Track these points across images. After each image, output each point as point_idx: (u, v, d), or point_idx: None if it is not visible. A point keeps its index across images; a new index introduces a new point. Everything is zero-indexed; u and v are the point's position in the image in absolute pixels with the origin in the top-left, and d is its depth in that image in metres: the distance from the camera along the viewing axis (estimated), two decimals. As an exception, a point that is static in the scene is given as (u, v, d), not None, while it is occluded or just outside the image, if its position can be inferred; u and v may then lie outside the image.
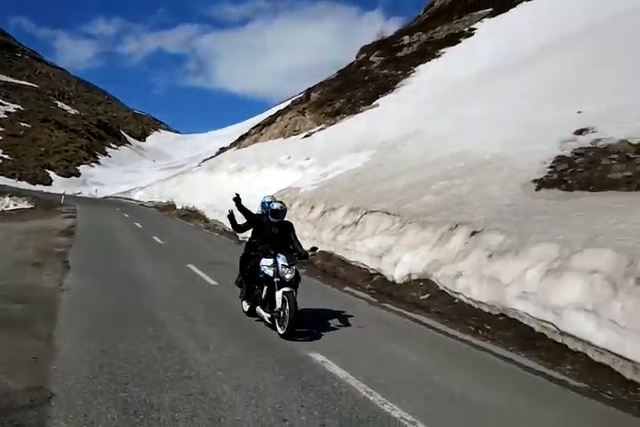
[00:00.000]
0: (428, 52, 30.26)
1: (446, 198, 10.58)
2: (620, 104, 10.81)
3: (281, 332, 6.08)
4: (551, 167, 9.88)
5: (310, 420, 3.90)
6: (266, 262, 6.46)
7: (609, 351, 5.23)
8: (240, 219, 7.21)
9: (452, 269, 8.02)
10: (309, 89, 41.33)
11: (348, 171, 16.38)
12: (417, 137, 16.31)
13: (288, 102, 44.50)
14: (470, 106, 16.21)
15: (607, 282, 5.68)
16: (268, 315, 6.42)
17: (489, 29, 28.60)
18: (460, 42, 29.45)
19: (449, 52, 28.67)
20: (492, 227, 8.25)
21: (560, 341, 5.84)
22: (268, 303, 6.44)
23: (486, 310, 7.07)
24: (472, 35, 29.67)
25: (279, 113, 41.81)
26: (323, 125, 28.76)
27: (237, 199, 6.80)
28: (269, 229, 6.71)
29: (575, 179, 9.00)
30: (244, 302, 7.25)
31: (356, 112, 26.79)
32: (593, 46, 15.73)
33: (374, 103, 26.37)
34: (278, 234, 6.72)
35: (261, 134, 40.30)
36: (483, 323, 6.83)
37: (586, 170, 9.15)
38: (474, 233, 8.40)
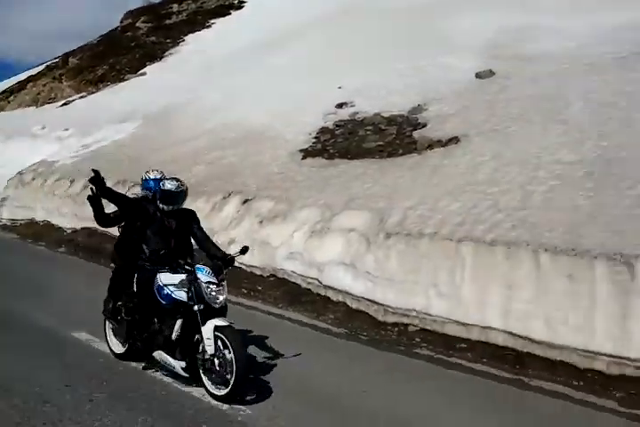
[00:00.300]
0: (197, 22, 29.58)
1: (219, 168, 10.62)
2: (375, 81, 11.94)
3: (218, 393, 3.91)
4: (315, 138, 10.52)
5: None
6: (171, 280, 4.20)
7: (364, 298, 5.91)
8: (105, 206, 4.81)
9: (226, 236, 8.13)
10: (67, 53, 37.21)
11: (114, 142, 15.35)
12: (187, 107, 15.93)
13: (42, 67, 39.49)
14: (240, 77, 16.35)
15: (362, 238, 6.37)
16: (182, 364, 4.12)
17: (259, 2, 29.04)
18: (230, 14, 29.39)
19: (219, 23, 28.41)
20: (262, 195, 8.53)
21: (324, 294, 6.40)
22: (180, 348, 4.15)
23: (258, 272, 7.39)
24: (242, 7, 29.84)
25: (30, 79, 37.00)
26: (83, 93, 26.32)
27: (98, 178, 4.22)
28: (161, 222, 4.41)
29: (336, 148, 9.75)
30: (114, 338, 4.88)
31: (121, 80, 25.08)
32: (352, 25, 16.95)
33: (141, 71, 24.97)
34: (176, 230, 4.45)
35: (8, 102, 35.29)
36: (255, 285, 7.14)
37: (345, 140, 9.96)
38: (246, 201, 8.61)
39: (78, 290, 7.02)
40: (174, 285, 4.15)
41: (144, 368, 4.50)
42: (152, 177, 4.79)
